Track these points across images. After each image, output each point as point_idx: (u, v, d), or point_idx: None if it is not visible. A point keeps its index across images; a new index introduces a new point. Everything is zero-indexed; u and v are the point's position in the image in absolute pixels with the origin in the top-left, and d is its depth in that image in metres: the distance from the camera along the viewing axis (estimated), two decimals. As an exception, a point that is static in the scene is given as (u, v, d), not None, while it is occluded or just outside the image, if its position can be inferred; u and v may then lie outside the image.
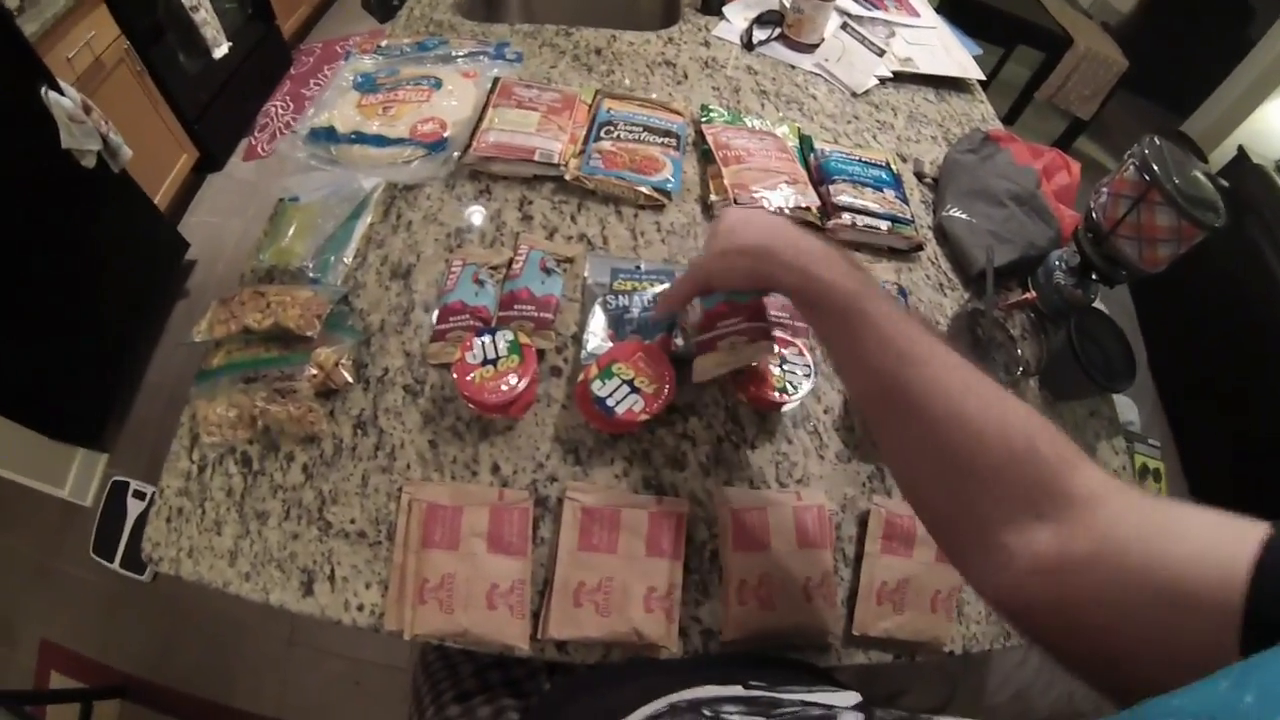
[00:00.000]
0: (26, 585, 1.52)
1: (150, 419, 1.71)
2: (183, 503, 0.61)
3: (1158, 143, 0.70)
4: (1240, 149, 2.14)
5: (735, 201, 0.78)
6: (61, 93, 1.36)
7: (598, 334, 0.67)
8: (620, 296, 0.69)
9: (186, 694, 1.40)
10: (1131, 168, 0.70)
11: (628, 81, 0.98)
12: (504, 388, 0.58)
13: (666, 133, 0.84)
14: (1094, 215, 0.75)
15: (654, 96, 0.92)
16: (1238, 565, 0.26)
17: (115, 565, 1.50)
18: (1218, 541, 0.28)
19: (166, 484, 0.62)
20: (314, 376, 0.63)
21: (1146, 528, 0.32)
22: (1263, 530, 0.27)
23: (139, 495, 1.57)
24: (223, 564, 0.58)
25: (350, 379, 0.65)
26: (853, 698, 0.38)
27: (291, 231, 0.74)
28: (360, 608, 0.57)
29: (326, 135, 0.82)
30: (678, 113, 0.89)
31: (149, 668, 1.42)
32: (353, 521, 0.60)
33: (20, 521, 1.57)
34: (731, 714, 0.34)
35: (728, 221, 0.53)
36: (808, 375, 0.64)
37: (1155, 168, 0.67)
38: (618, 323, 0.67)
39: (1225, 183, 0.72)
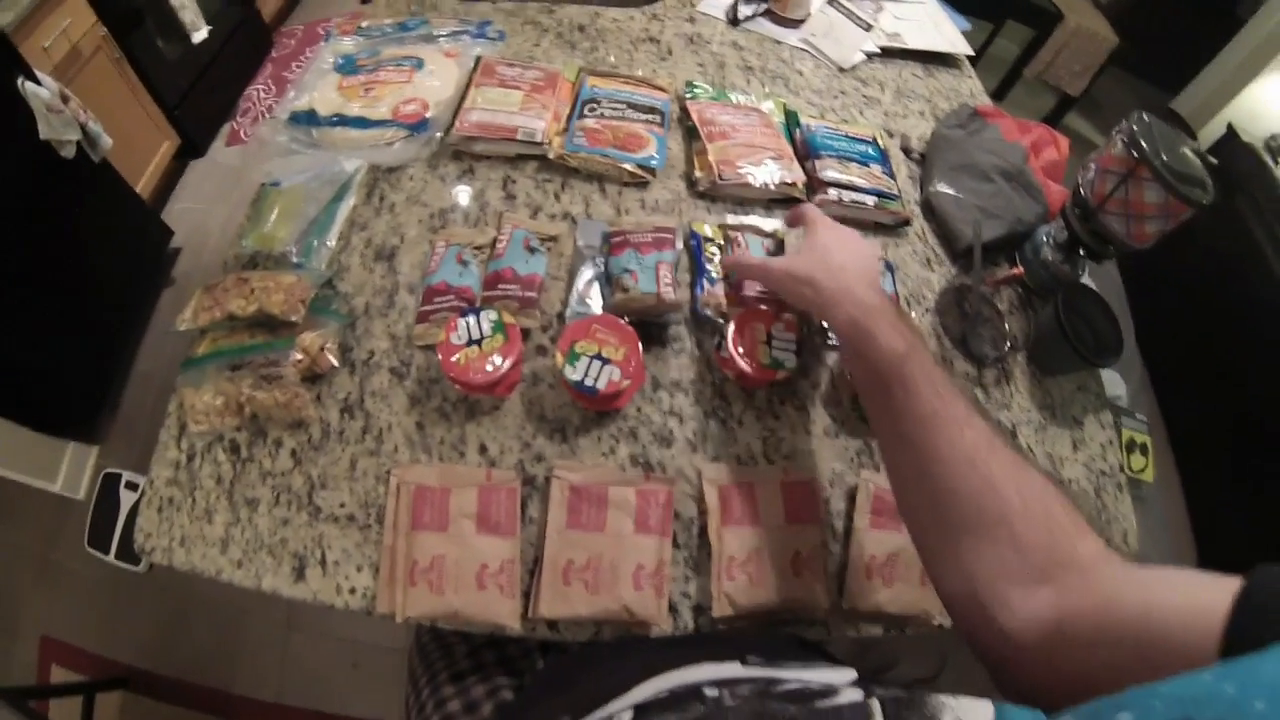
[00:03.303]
0: (24, 581, 1.52)
1: (140, 409, 1.70)
2: (173, 492, 0.61)
3: (1146, 119, 0.69)
4: (1230, 126, 2.13)
5: (720, 179, 0.77)
6: (38, 83, 1.34)
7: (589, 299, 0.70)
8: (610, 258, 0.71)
9: (187, 682, 1.41)
10: (1120, 144, 0.69)
11: (611, 58, 0.97)
12: (489, 368, 0.58)
13: (651, 109, 0.84)
14: (1082, 191, 0.74)
15: (638, 73, 0.91)
16: (1217, 610, 0.29)
17: (110, 557, 1.50)
18: (1201, 592, 0.31)
19: (156, 474, 0.62)
20: (299, 361, 0.62)
21: (1139, 584, 0.35)
22: (1239, 582, 0.30)
23: (131, 486, 1.56)
24: (214, 552, 0.58)
25: (336, 363, 0.65)
26: (849, 674, 0.38)
27: (274, 216, 0.73)
28: (352, 591, 0.57)
29: (307, 118, 0.81)
30: (662, 89, 0.88)
31: (149, 658, 1.43)
32: (342, 505, 0.60)
33: (14, 517, 1.56)
34: (731, 698, 0.34)
35: (823, 239, 0.59)
36: (795, 351, 0.64)
37: (1143, 144, 0.67)
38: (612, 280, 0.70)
39: (1214, 160, 0.72)
